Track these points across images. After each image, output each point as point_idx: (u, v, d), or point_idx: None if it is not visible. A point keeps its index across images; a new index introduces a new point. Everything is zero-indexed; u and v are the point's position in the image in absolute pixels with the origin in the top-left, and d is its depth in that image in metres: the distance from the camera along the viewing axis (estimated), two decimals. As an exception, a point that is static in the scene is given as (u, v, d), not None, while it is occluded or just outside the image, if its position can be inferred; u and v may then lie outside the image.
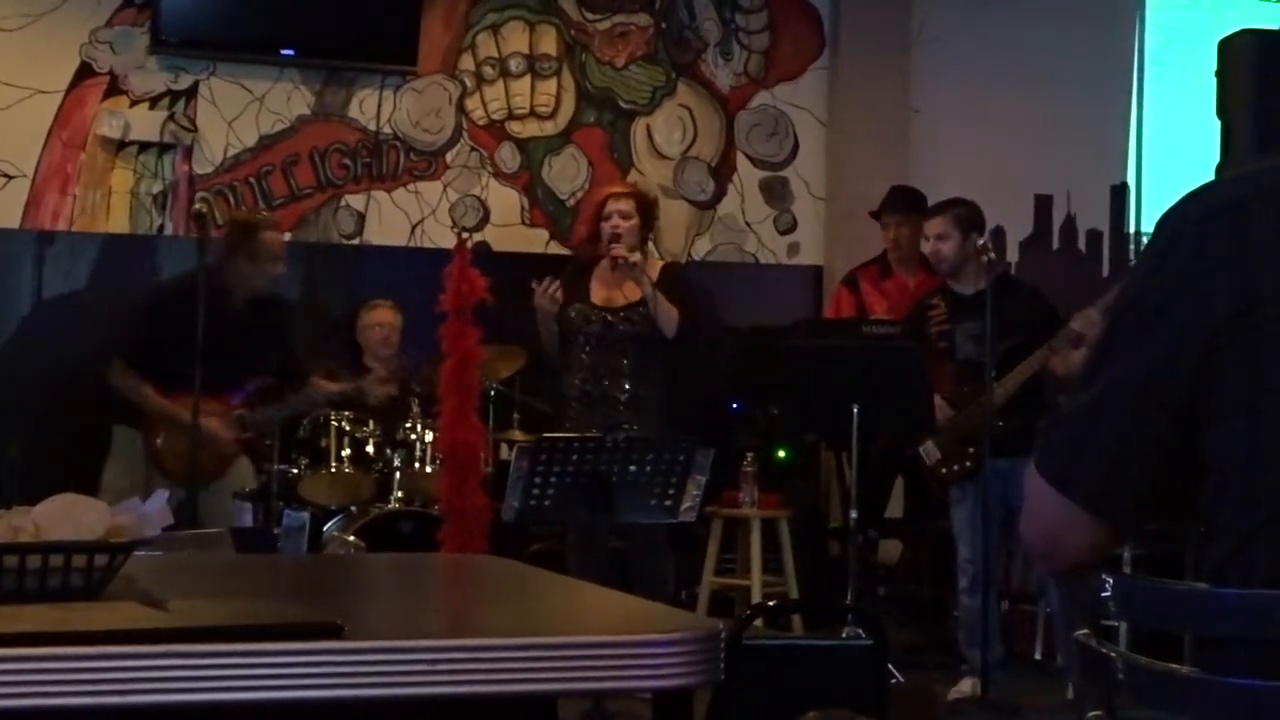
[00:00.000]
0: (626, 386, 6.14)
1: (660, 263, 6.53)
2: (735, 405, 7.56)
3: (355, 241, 7.85)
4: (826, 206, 8.42)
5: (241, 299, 6.27)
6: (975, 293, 6.10)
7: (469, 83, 8.02)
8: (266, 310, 6.39)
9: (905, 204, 7.50)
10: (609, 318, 6.19)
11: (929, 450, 6.25)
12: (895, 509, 7.61)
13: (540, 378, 7.08)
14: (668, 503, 5.21)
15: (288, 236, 7.68)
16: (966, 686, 6.10)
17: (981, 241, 6.23)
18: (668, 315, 6.12)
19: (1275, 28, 7.72)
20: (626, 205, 6.28)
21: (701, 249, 8.30)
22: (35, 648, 1.58)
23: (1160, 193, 8.34)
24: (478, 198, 8.01)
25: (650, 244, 6.56)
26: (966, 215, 6.24)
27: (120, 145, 7.51)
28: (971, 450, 6.03)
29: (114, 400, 6.25)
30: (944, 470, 6.21)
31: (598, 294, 6.25)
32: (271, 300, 6.45)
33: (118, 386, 6.20)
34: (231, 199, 7.68)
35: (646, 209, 6.39)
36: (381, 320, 7.27)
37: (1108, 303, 4.98)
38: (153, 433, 6.20)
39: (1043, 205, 8.55)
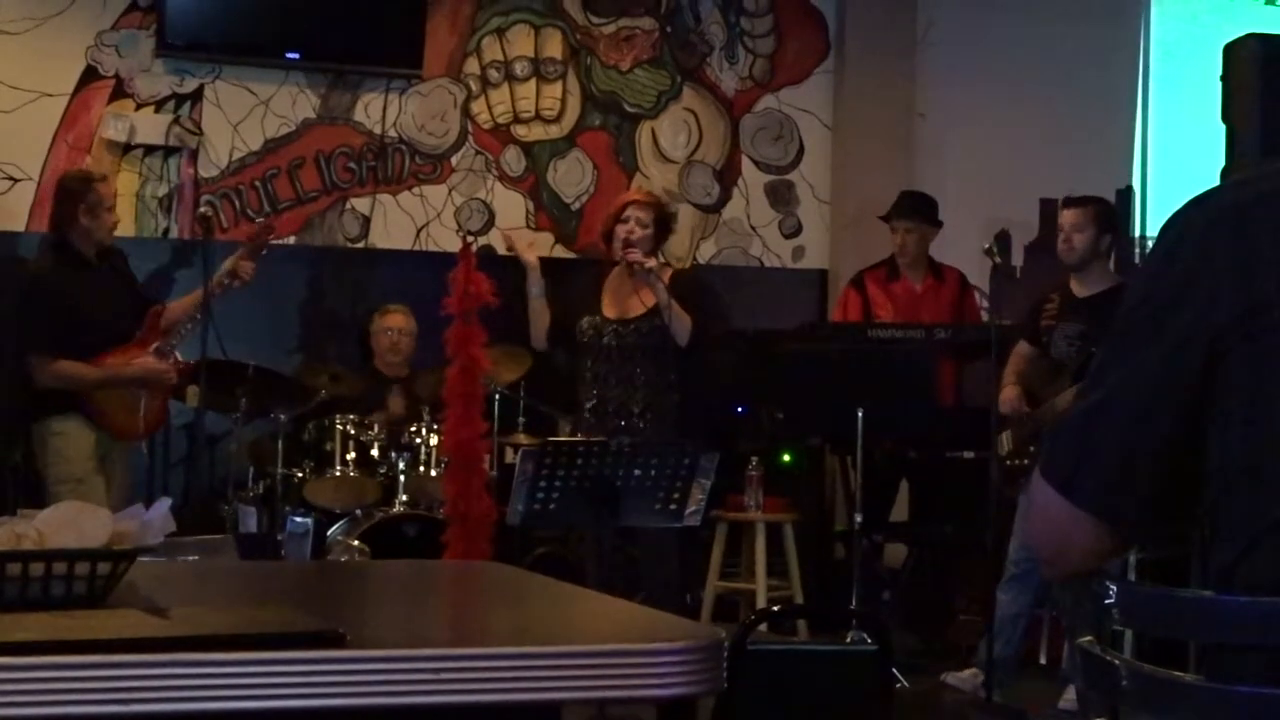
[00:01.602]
0: (641, 397, 6.14)
1: (669, 270, 6.52)
2: (740, 409, 7.55)
3: (360, 245, 7.85)
4: (831, 210, 8.41)
5: (94, 255, 6.18)
6: (1089, 296, 6.00)
7: (474, 86, 8.02)
8: (117, 259, 6.32)
9: (914, 209, 7.51)
10: (620, 329, 6.19)
11: (1003, 440, 6.17)
12: (900, 513, 7.60)
13: (546, 381, 7.08)
14: (672, 507, 5.20)
15: (291, 240, 7.70)
16: (966, 674, 6.11)
17: (987, 246, 6.21)
18: (681, 323, 6.11)
19: (1281, 32, 7.71)
20: (646, 214, 6.29)
21: (706, 253, 8.30)
22: (38, 656, 1.58)
23: (1166, 197, 8.32)
24: (483, 201, 8.01)
25: (660, 252, 6.56)
26: (1105, 213, 6.14)
27: (126, 148, 7.52)
28: (1033, 450, 5.95)
29: (43, 396, 6.08)
30: (1008, 463, 6.13)
31: (610, 306, 6.25)
32: (114, 250, 6.36)
33: (48, 379, 6.05)
34: (237, 202, 7.68)
35: (663, 221, 6.42)
36: (394, 325, 7.26)
37: None
38: (98, 405, 6.08)
39: (1048, 209, 8.52)
